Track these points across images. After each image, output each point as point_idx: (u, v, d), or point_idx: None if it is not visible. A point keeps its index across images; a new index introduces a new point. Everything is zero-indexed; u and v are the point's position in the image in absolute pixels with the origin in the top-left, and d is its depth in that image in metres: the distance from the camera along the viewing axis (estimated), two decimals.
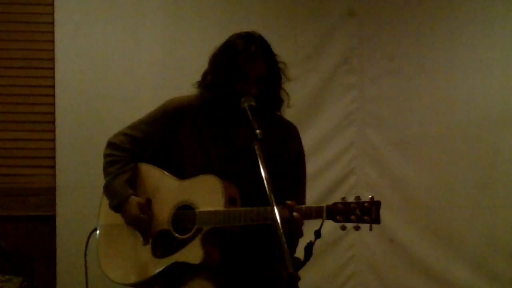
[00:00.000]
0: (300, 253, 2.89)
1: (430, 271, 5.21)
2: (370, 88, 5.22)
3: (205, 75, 3.10)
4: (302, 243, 2.89)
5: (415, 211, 5.24)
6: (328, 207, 2.77)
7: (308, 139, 4.82)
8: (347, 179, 5.21)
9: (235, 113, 2.92)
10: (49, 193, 4.99)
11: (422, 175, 5.23)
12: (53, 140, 4.99)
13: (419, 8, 5.25)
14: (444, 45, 5.24)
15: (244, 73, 2.96)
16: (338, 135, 5.21)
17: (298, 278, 2.41)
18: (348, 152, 5.23)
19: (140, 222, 3.02)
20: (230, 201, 2.94)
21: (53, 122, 4.99)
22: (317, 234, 2.75)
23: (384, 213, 5.11)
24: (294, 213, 2.77)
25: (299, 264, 2.81)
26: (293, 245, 2.98)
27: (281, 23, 5.10)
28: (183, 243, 2.97)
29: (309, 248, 2.78)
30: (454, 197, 5.23)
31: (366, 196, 2.76)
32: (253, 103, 2.86)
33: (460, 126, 5.22)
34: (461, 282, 5.20)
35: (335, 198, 4.93)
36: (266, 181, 2.57)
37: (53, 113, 4.99)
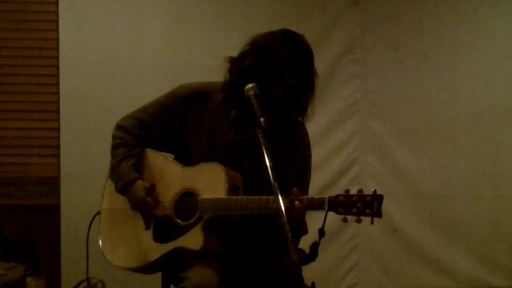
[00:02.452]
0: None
1: (433, 260, 5.22)
2: (373, 78, 5.22)
3: (243, 56, 3.06)
4: (308, 242, 2.90)
5: (418, 201, 5.25)
6: (330, 199, 2.75)
7: (310, 129, 4.82)
8: (350, 169, 5.21)
9: (248, 104, 2.92)
10: (53, 182, 5.01)
11: (425, 165, 5.24)
12: (57, 129, 5.00)
13: None
14: (447, 34, 5.24)
15: (280, 80, 2.97)
16: (341, 125, 5.22)
17: (300, 269, 2.41)
18: (351, 142, 5.23)
19: (145, 205, 3.03)
20: (232, 189, 2.94)
21: (57, 111, 5.00)
22: (321, 232, 2.74)
23: (387, 203, 5.11)
24: (296, 202, 2.77)
25: (304, 258, 2.80)
26: (295, 240, 2.98)
27: (284, 12, 5.09)
28: (184, 230, 2.98)
29: (314, 247, 2.77)
30: (457, 187, 5.24)
31: (369, 187, 2.76)
32: (257, 91, 2.86)
33: (463, 116, 5.23)
34: (464, 272, 5.21)
35: (338, 188, 4.98)
36: (270, 169, 2.57)
37: (57, 102, 5.00)
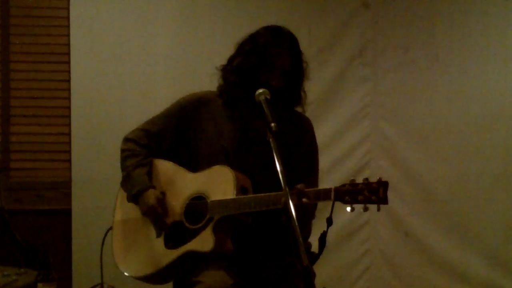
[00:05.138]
0: (313, 244, 2.90)
1: (445, 264, 5.20)
2: (385, 81, 5.21)
3: (231, 60, 3.16)
4: (316, 233, 2.89)
5: (430, 204, 5.23)
6: (336, 188, 2.76)
7: (322, 132, 4.82)
8: (362, 172, 5.19)
9: (251, 104, 2.93)
10: (65, 187, 5.02)
11: (436, 167, 5.22)
12: (69, 134, 5.01)
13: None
14: (458, 36, 5.23)
15: (271, 64, 3.02)
16: (352, 128, 5.21)
17: (314, 274, 2.41)
18: (363, 145, 5.22)
19: (156, 213, 3.05)
20: (241, 190, 2.96)
21: (69, 116, 5.01)
22: (329, 221, 2.73)
23: (398, 206, 5.12)
24: (304, 199, 2.77)
25: (314, 258, 2.80)
26: (305, 230, 2.98)
27: (294, 15, 5.08)
28: (195, 233, 2.99)
29: (322, 238, 2.77)
30: (469, 189, 5.22)
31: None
32: (268, 96, 2.87)
33: (474, 118, 5.21)
34: (476, 275, 5.19)
35: None
36: (281, 174, 2.58)
37: (69, 107, 5.01)
